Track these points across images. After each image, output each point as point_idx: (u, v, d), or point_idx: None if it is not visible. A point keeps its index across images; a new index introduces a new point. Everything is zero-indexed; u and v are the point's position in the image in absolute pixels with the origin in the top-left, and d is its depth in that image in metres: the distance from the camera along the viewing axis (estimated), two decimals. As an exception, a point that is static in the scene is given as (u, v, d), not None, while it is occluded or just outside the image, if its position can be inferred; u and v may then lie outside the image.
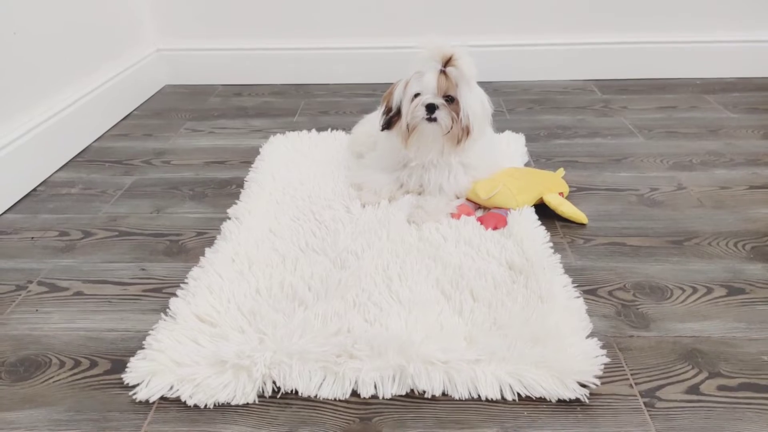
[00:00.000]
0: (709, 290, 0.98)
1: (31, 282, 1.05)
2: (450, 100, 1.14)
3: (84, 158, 1.57)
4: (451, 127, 1.13)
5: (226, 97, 2.06)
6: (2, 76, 1.34)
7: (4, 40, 1.35)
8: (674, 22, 2.06)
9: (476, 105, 1.14)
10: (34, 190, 1.40)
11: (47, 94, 1.50)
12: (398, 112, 1.17)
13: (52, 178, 1.45)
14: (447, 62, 1.12)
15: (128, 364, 0.83)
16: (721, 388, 0.79)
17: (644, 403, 0.77)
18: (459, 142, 1.15)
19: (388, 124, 1.21)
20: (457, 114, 1.13)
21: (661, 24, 2.06)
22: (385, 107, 1.21)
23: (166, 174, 1.47)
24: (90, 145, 1.66)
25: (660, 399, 0.78)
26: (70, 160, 1.55)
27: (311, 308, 0.91)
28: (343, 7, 2.07)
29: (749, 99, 1.89)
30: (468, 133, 1.14)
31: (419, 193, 1.26)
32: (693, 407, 0.76)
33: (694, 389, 0.79)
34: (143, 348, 0.86)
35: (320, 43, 2.13)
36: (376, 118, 1.43)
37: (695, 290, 0.98)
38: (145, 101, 2.02)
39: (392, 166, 1.27)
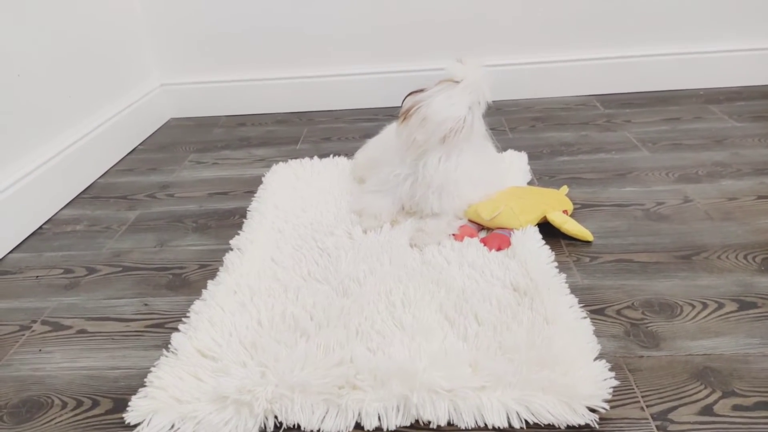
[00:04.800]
0: (720, 305, 0.96)
1: (35, 321, 1.05)
2: None
3: (89, 195, 1.59)
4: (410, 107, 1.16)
5: (230, 128, 2.08)
6: (7, 117, 1.37)
7: (8, 82, 1.38)
8: (675, 34, 2.05)
9: (443, 104, 1.14)
10: (40, 228, 1.41)
11: (53, 134, 1.52)
12: None
13: (57, 216, 1.47)
14: None
15: (129, 403, 0.82)
16: (735, 407, 0.77)
17: (656, 427, 0.74)
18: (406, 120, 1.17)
19: None
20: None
21: (662, 36, 2.06)
22: None
23: (170, 207, 1.48)
24: (95, 181, 1.67)
25: (673, 422, 0.75)
26: (75, 197, 1.57)
27: (313, 338, 0.90)
28: (342, 33, 2.09)
29: (754, 107, 1.87)
30: (421, 118, 1.15)
31: (420, 217, 1.25)
32: (707, 429, 0.74)
33: (708, 410, 0.76)
34: (145, 386, 0.85)
35: (321, 70, 2.14)
36: (378, 142, 1.44)
37: (705, 306, 0.96)
38: (150, 135, 2.05)
39: (388, 180, 1.26)
